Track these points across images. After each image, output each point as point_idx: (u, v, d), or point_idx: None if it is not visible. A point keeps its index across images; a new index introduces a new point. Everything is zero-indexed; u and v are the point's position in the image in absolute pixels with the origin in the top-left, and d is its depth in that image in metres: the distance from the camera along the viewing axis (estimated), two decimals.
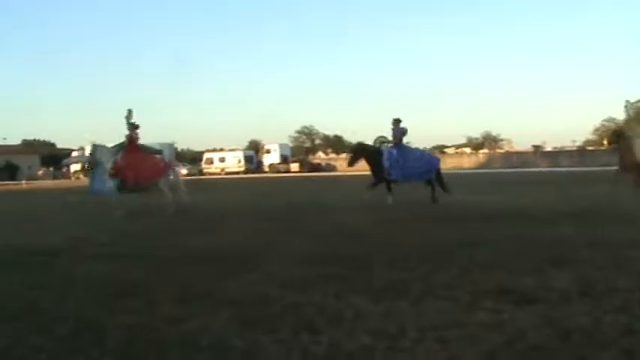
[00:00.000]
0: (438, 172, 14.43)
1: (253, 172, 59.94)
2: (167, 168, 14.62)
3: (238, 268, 6.22)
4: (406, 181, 14.16)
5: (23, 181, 52.51)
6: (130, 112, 14.57)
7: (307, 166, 62.61)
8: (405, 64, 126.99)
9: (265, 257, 6.87)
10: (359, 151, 14.93)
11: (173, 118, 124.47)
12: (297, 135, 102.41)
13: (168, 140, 65.74)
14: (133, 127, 14.53)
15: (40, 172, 79.67)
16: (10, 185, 45.24)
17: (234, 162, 64.24)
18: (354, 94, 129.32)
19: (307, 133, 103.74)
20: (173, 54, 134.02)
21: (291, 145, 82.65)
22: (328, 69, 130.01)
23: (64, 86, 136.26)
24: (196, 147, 68.89)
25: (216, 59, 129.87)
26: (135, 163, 14.12)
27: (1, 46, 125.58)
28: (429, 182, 14.23)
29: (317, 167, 63.54)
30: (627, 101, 16.03)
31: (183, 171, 62.94)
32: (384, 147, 14.44)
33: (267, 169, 63.43)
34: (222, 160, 65.43)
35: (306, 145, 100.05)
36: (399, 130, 14.21)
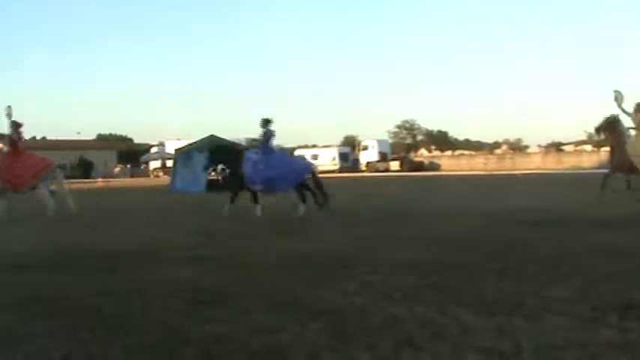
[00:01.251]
0: (314, 177, 14.50)
1: (349, 171, 60.23)
2: (47, 169, 14.84)
3: (333, 276, 6.37)
4: (269, 191, 14.31)
5: (99, 179, 54.91)
6: (9, 108, 14.62)
7: (408, 164, 62.30)
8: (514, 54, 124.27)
9: (363, 265, 6.99)
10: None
11: (259, 111, 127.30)
12: (396, 130, 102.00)
13: (257, 135, 67.08)
14: (15, 125, 14.63)
15: (117, 170, 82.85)
16: (84, 183, 47.58)
17: (327, 160, 64.82)
18: (460, 86, 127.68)
19: (408, 128, 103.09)
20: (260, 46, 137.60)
21: (390, 141, 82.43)
22: (432, 57, 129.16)
23: (141, 77, 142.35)
24: (286, 143, 70.28)
25: (308, 50, 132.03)
26: (13, 165, 14.39)
27: (78, 33, 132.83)
28: (301, 188, 14.17)
29: (419, 166, 63.14)
30: (617, 91, 14.92)
31: None
32: (250, 151, 14.81)
33: (364, 167, 63.62)
34: (314, 157, 66.17)
35: (407, 142, 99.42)
36: (269, 133, 14.23)
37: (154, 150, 79.29)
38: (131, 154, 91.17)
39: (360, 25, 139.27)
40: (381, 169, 60.77)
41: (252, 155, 14.35)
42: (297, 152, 69.76)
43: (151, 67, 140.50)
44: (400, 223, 11.50)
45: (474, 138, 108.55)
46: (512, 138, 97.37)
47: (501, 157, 68.31)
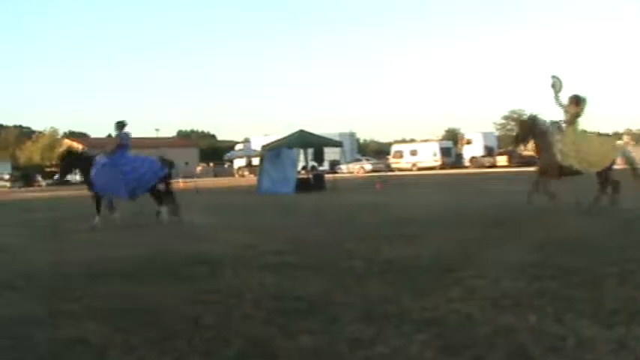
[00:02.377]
0: (166, 182, 15.23)
1: (451, 167, 59.64)
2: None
3: (437, 283, 6.43)
4: (114, 195, 14.89)
5: (180, 180, 56.15)
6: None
7: (517, 159, 60.99)
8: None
9: (469, 270, 7.02)
10: (70, 161, 15.86)
11: (351, 104, 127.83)
12: (503, 121, 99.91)
13: (347, 130, 67.41)
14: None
15: (199, 169, 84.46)
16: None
17: (428, 155, 64.38)
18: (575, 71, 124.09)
19: (516, 118, 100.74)
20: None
21: (496, 133, 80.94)
22: (543, 41, 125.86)
23: (223, 70, 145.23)
24: (382, 138, 70.05)
25: (404, 39, 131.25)
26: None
27: (159, 30, 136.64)
28: (153, 193, 14.82)
29: (529, 161, 61.60)
30: (555, 77, 13.40)
31: (367, 166, 64.58)
32: (99, 156, 15.03)
33: (467, 163, 62.80)
34: (413, 153, 65.85)
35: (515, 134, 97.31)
36: (125, 136, 14.79)
37: (238, 147, 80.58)
38: (214, 151, 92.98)
39: None
40: (487, 164, 59.78)
41: (102, 159, 14.81)
42: (394, 148, 69.72)
43: (234, 61, 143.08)
44: (509, 223, 11.39)
45: (592, 128, 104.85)
46: (634, 128, 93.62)
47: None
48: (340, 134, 59.64)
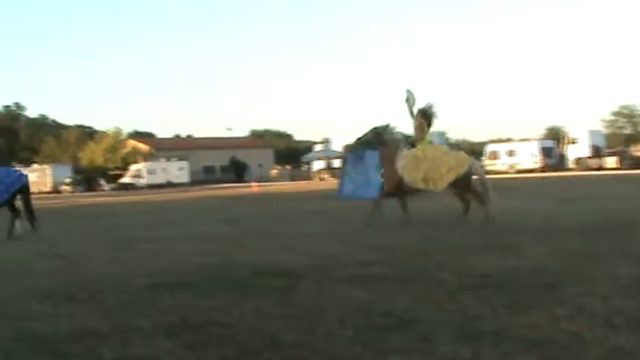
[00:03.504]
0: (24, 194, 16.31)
1: (553, 170, 58.58)
2: None
3: (538, 299, 6.33)
4: None
5: (253, 183, 56.82)
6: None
7: (629, 160, 59.45)
8: None
9: (575, 285, 6.88)
10: None
11: (444, 100, 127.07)
12: (613, 118, 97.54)
13: (436, 128, 66.90)
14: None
15: (274, 172, 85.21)
16: (236, 188, 49.48)
17: (527, 156, 63.46)
18: None
19: (628, 115, 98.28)
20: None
21: (605, 132, 79.12)
22: None
23: (300, 64, 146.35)
24: (475, 137, 69.13)
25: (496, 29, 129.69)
26: None
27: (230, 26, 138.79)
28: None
29: None
30: (409, 91, 13.43)
31: None
32: None
33: (572, 164, 61.64)
34: (510, 153, 65.00)
35: (627, 132, 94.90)
36: None
37: (317, 148, 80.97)
38: (291, 153, 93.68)
39: None
40: (594, 166, 58.53)
41: None
42: (489, 148, 68.88)
43: (309, 53, 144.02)
44: (620, 233, 11.11)
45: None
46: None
47: None
48: (429, 133, 59.15)
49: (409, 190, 14.27)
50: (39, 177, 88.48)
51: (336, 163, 53.85)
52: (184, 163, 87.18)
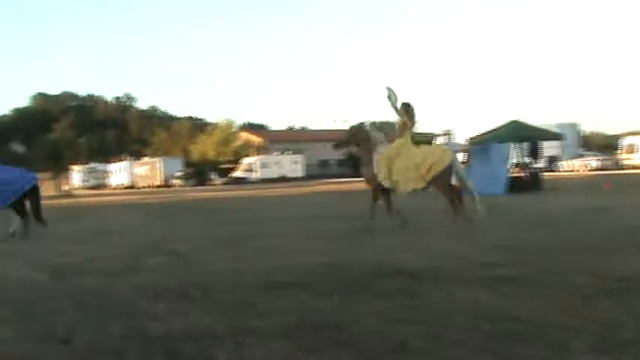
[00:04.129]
0: (34, 193, 16.84)
1: None
2: None
3: None
4: None
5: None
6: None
7: None
8: None
9: None
10: None
11: (575, 90, 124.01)
12: None
13: (568, 120, 65.57)
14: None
15: None
16: (353, 183, 49.42)
17: None
18: None
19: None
20: None
21: None
22: None
23: (419, 54, 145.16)
24: (610, 129, 67.20)
25: None
26: None
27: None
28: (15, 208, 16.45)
29: None
30: (389, 88, 13.23)
31: (593, 163, 62.31)
32: None
33: None
34: None
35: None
36: None
37: (439, 140, 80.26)
38: None
39: None
40: None
41: None
42: (625, 141, 66.67)
43: (428, 43, 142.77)
44: None
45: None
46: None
47: None
48: (560, 125, 57.96)
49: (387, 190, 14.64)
50: (149, 170, 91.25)
51: (460, 156, 53.29)
52: (299, 157, 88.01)
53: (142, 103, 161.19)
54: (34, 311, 7.35)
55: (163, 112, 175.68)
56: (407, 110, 14.43)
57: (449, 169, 14.08)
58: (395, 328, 5.87)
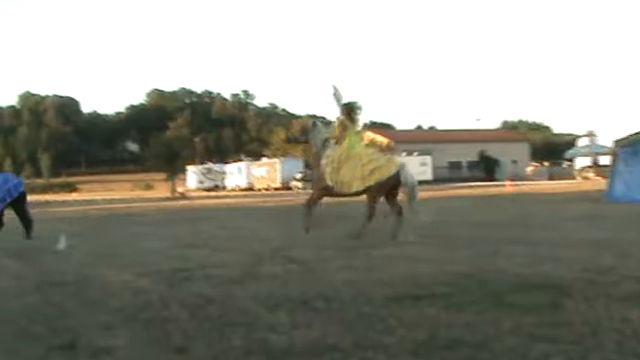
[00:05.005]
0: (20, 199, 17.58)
1: None
2: None
3: None
4: None
5: (507, 182, 56.05)
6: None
7: None
8: None
9: None
10: None
11: None
12: None
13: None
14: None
15: (530, 169, 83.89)
16: (486, 187, 48.96)
17: None
18: None
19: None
20: None
21: None
22: None
23: (556, 48, 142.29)
24: None
25: None
26: None
27: None
28: None
29: None
30: (334, 87, 15.00)
31: None
32: None
33: None
34: None
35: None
36: None
37: (581, 142, 78.80)
38: (549, 147, 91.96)
39: None
40: None
41: None
42: None
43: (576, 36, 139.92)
44: None
45: None
46: None
47: None
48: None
49: (337, 194, 15.41)
50: (268, 172, 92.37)
51: (604, 160, 51.93)
52: (427, 158, 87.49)
53: (260, 101, 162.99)
54: (146, 319, 7.51)
55: (283, 110, 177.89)
56: (348, 110, 15.16)
57: (390, 181, 14.63)
58: (538, 346, 5.74)
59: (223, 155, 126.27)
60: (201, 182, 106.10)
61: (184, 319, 7.34)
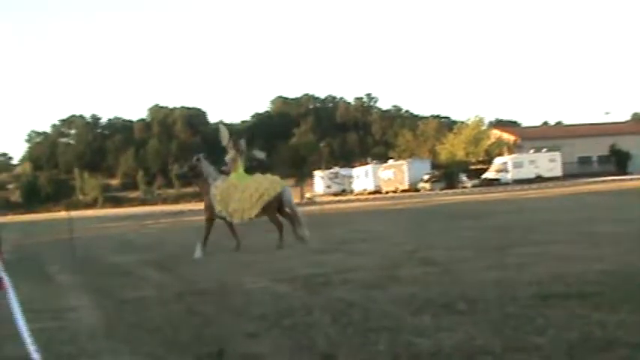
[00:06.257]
0: None
1: None
2: None
3: None
4: None
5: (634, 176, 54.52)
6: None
7: None
8: None
9: None
10: None
11: None
12: None
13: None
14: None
15: None
16: (619, 182, 47.63)
17: None
18: None
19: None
20: None
21: None
22: None
23: None
24: None
25: None
26: None
27: None
28: None
29: None
30: (222, 125, 19.16)
31: None
32: None
33: None
34: None
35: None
36: None
37: None
38: None
39: None
40: None
41: None
42: None
43: None
44: None
45: None
46: None
47: None
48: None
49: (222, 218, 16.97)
50: (395, 174, 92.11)
51: None
52: (556, 154, 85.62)
53: (383, 103, 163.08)
54: (289, 325, 7.50)
55: (407, 112, 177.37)
56: (235, 145, 17.41)
57: (278, 198, 16.76)
58: None
59: (349, 159, 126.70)
60: (329, 187, 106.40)
61: (327, 325, 7.30)
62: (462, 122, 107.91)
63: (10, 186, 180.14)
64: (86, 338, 7.75)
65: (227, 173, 17.48)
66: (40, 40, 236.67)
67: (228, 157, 17.40)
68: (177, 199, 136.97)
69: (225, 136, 17.53)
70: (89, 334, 7.96)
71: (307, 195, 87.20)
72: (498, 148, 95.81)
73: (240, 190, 16.67)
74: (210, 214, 17.08)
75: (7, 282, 8.40)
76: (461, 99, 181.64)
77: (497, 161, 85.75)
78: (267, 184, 16.89)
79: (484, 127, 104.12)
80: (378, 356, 5.94)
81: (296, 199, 70.48)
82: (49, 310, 9.69)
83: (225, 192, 16.77)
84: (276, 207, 16.84)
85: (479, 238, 15.35)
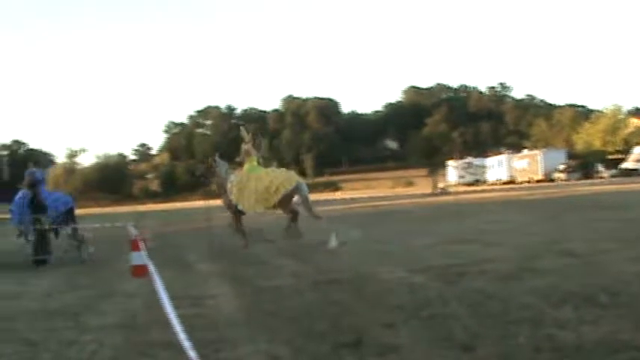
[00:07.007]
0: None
1: None
2: None
3: None
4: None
5: None
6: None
7: None
8: None
9: None
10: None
11: None
12: None
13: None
14: None
15: None
16: None
17: None
18: None
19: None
20: None
21: None
22: None
23: None
24: None
25: None
26: None
27: None
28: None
29: None
30: (244, 126, 19.94)
31: None
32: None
33: None
34: None
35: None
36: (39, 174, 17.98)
37: None
38: None
39: None
40: None
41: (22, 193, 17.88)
42: None
43: None
44: None
45: None
46: None
47: None
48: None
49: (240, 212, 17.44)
50: (529, 164, 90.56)
51: None
52: None
53: (517, 92, 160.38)
54: (426, 316, 7.47)
55: (541, 101, 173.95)
56: (254, 138, 18.18)
57: (294, 192, 17.29)
58: None
59: (481, 149, 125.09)
60: (462, 177, 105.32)
61: (465, 316, 7.26)
62: (599, 111, 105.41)
63: (150, 175, 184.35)
64: (225, 325, 7.92)
65: (240, 164, 18.32)
66: (180, 34, 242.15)
67: (243, 148, 18.06)
68: (310, 189, 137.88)
69: (245, 135, 18.23)
70: (228, 322, 8.13)
71: (440, 185, 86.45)
72: (637, 137, 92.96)
73: (254, 180, 17.30)
74: (233, 211, 17.65)
75: (152, 269, 8.69)
76: (598, 87, 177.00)
77: (637, 150, 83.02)
78: (283, 177, 17.44)
79: (622, 116, 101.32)
80: (519, 349, 5.86)
81: (428, 190, 70.16)
82: (189, 297, 9.92)
83: (240, 184, 17.40)
84: (290, 201, 17.47)
85: (618, 230, 14.91)
